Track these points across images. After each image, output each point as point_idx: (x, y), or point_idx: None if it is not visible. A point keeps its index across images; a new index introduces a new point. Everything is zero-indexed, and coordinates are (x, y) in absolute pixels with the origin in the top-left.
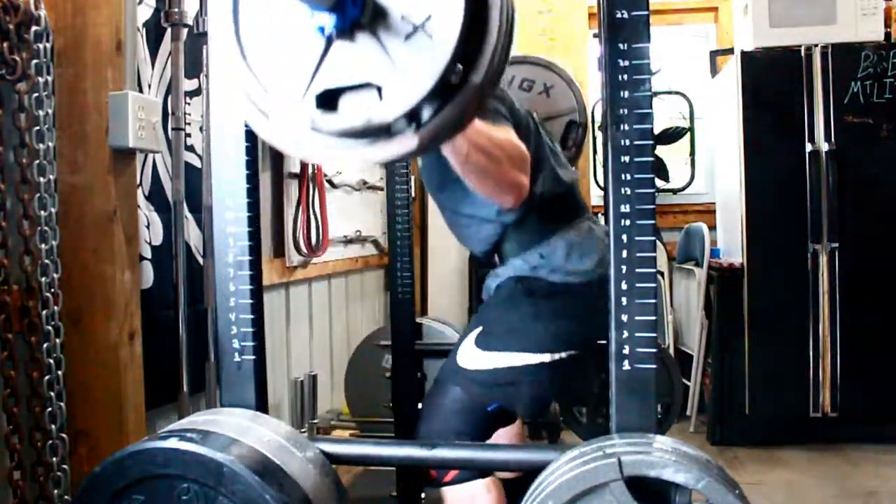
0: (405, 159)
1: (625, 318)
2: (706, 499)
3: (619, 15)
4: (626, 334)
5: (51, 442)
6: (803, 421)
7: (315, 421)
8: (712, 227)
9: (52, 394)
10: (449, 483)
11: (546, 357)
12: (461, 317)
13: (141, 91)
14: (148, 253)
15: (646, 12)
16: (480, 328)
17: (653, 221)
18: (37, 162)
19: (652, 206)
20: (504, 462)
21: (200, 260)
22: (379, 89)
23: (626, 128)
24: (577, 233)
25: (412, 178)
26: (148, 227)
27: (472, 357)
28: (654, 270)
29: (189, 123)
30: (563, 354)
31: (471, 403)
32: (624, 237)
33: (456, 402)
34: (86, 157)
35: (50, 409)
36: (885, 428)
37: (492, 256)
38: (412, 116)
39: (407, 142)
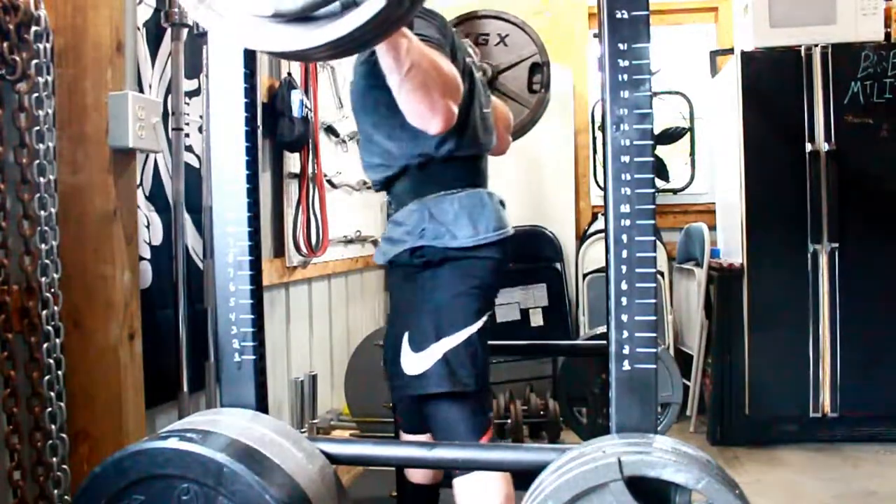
0: (340, 49)
1: (625, 318)
2: (706, 499)
3: (619, 15)
4: (626, 334)
5: (51, 442)
6: (803, 421)
7: (315, 421)
8: (712, 227)
9: (52, 394)
10: (460, 473)
11: (471, 329)
12: None
13: (141, 91)
14: (147, 253)
15: (646, 12)
16: (407, 333)
17: (653, 221)
18: (37, 162)
19: (652, 206)
20: (504, 462)
21: (198, 261)
22: None
23: (626, 128)
24: (469, 198)
25: None
26: (148, 227)
27: (414, 362)
28: (654, 270)
29: (188, 123)
30: (483, 320)
31: (452, 405)
32: (624, 237)
33: (445, 413)
34: (86, 157)
35: (50, 409)
36: (885, 428)
37: (385, 189)
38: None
39: (339, 26)
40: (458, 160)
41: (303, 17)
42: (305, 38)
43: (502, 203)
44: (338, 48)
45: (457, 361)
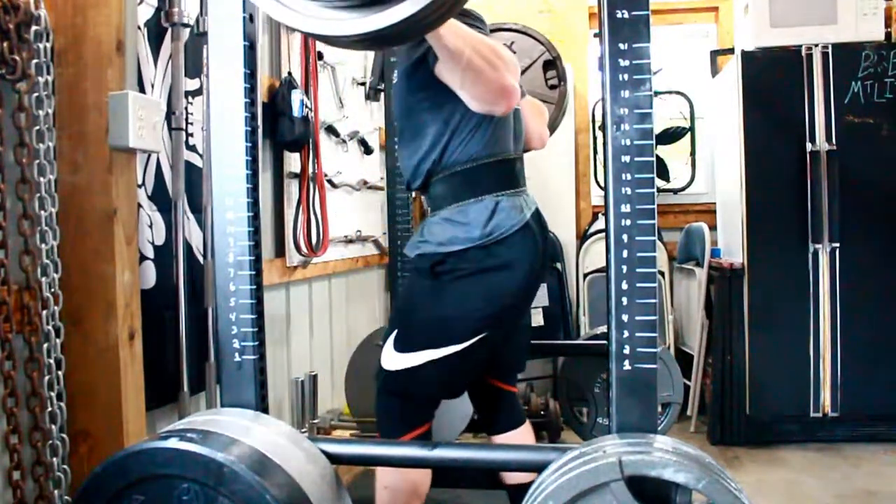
0: (399, 35)
1: (625, 317)
2: (707, 499)
3: (619, 15)
4: (626, 334)
5: (50, 442)
6: (804, 421)
7: (315, 421)
8: (713, 227)
9: (52, 394)
10: None
11: (457, 347)
12: None
13: (143, 91)
14: (150, 253)
15: (646, 12)
16: (396, 331)
17: (653, 221)
18: (37, 162)
19: (652, 206)
20: (504, 462)
21: (202, 259)
22: None
23: (627, 128)
24: (476, 208)
25: None
26: (150, 226)
27: (394, 359)
28: (654, 270)
29: (192, 123)
30: (473, 340)
31: (403, 403)
32: (624, 237)
33: (391, 406)
34: (86, 157)
35: (50, 409)
36: (885, 428)
37: (423, 190)
38: None
39: (401, 9)
40: (489, 164)
41: (366, 2)
42: (369, 22)
43: (515, 208)
44: (402, 31)
45: (428, 373)
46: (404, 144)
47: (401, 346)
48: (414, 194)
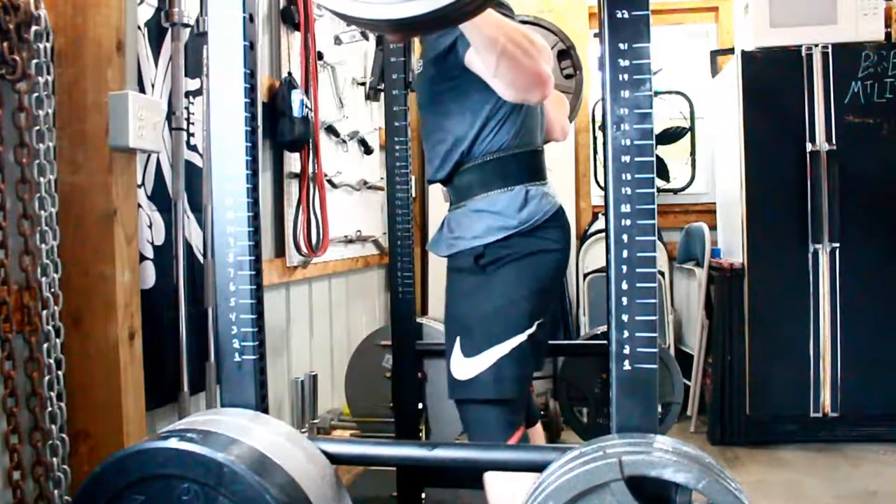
0: (438, 20)
1: (625, 318)
2: (707, 499)
3: (619, 14)
4: (626, 334)
5: (50, 442)
6: (803, 421)
7: (315, 421)
8: (713, 227)
9: (52, 394)
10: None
11: (523, 336)
12: None
13: (143, 91)
14: (150, 253)
15: (646, 12)
16: (459, 337)
17: (653, 221)
18: (37, 162)
19: (652, 206)
20: (504, 462)
21: (202, 259)
22: None
23: (627, 128)
24: (510, 196)
25: (412, 177)
26: (150, 226)
27: (464, 367)
28: (654, 270)
29: (193, 123)
30: (534, 326)
31: (491, 409)
32: (624, 237)
33: (484, 416)
34: (86, 157)
35: (50, 409)
36: (885, 428)
37: (448, 181)
38: None
39: None
40: (519, 155)
41: None
42: (411, 7)
43: (545, 196)
44: (442, 17)
45: (505, 369)
46: (430, 134)
47: (469, 351)
48: (414, 194)
